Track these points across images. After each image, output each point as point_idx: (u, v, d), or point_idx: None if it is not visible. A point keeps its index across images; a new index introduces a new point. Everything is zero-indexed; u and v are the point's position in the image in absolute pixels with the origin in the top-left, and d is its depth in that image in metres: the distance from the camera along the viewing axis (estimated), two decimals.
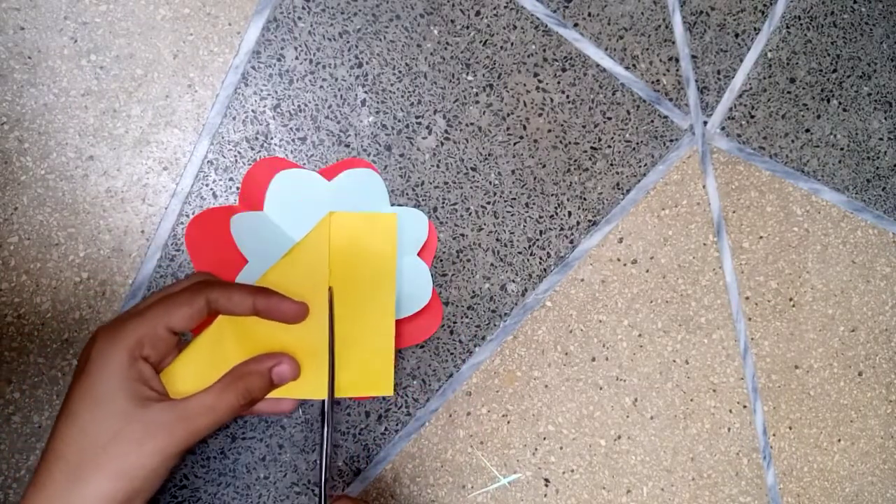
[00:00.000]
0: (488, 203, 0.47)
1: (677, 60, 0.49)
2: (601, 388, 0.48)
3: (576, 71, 0.48)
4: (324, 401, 0.36)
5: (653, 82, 0.49)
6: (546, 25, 0.47)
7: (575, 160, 0.48)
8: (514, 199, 0.47)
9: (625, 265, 0.48)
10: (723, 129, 0.50)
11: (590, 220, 0.48)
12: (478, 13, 0.46)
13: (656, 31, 0.49)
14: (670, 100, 0.49)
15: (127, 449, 0.28)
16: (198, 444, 0.43)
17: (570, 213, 0.48)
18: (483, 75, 0.46)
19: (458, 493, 0.46)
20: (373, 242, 0.38)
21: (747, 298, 0.50)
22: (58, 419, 0.29)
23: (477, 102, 0.46)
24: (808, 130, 0.51)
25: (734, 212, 0.50)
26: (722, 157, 0.50)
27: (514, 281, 0.47)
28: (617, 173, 0.48)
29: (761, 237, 0.51)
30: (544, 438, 0.47)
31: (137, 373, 0.29)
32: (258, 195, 0.42)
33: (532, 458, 0.47)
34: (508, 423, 0.47)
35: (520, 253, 0.47)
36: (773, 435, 0.50)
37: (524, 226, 0.47)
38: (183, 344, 0.33)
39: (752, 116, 0.51)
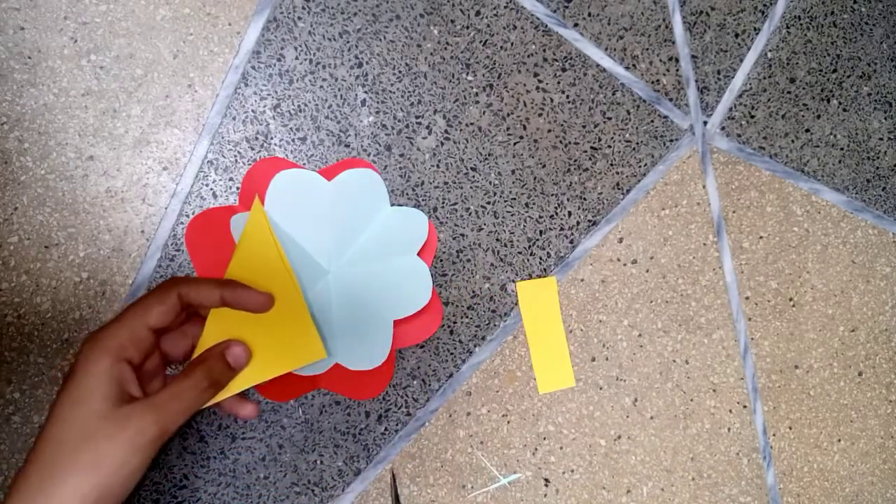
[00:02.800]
0: (488, 203, 0.47)
1: (677, 60, 0.49)
2: (601, 388, 0.48)
3: (576, 71, 0.48)
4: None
5: (653, 82, 0.49)
6: (546, 25, 0.47)
7: (575, 160, 0.48)
8: (514, 199, 0.47)
9: (625, 265, 0.48)
10: (723, 129, 0.50)
11: (590, 220, 0.48)
12: (478, 13, 0.46)
13: (656, 31, 0.49)
14: (670, 100, 0.49)
15: (98, 444, 0.28)
16: (196, 444, 0.43)
17: (570, 213, 0.48)
18: (483, 75, 0.46)
19: (458, 493, 0.46)
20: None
21: (747, 298, 0.50)
22: (41, 427, 0.30)
23: (477, 102, 0.46)
24: (808, 130, 0.51)
25: (734, 212, 0.50)
26: (722, 157, 0.50)
27: (514, 281, 0.47)
28: (617, 173, 0.48)
29: (761, 237, 0.51)
30: (544, 438, 0.47)
31: (117, 374, 0.30)
32: (258, 195, 0.42)
33: (532, 457, 0.47)
34: (508, 423, 0.47)
35: (520, 253, 0.47)
36: (773, 435, 0.50)
37: (524, 226, 0.47)
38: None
39: (752, 116, 0.51)
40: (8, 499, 0.28)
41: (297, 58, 0.44)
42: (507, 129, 0.47)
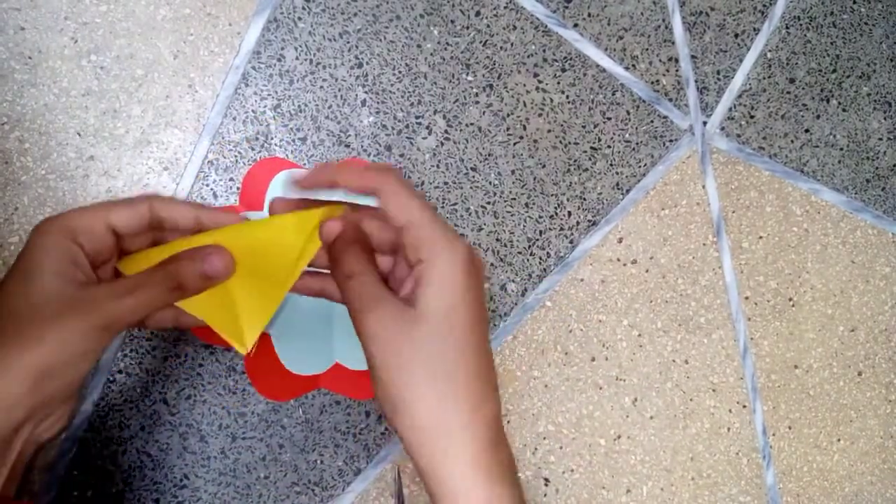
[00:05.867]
0: (488, 203, 0.47)
1: (677, 61, 0.49)
2: (601, 388, 0.48)
3: (575, 71, 0.48)
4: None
5: (652, 82, 0.49)
6: (546, 26, 0.47)
7: (575, 160, 0.48)
8: (514, 199, 0.47)
9: (624, 265, 0.49)
10: (722, 129, 0.50)
11: (589, 220, 0.48)
12: (478, 13, 0.46)
13: (656, 32, 0.49)
14: (670, 100, 0.49)
15: (44, 322, 0.27)
16: (197, 444, 0.43)
17: (569, 213, 0.48)
18: (483, 76, 0.47)
19: None
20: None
21: (747, 298, 0.50)
22: None
23: (477, 103, 0.47)
24: (807, 130, 0.52)
25: (734, 212, 0.50)
26: (721, 158, 0.50)
27: (513, 281, 0.47)
28: (617, 173, 0.48)
29: (761, 237, 0.51)
30: (544, 438, 0.47)
31: (69, 254, 0.28)
32: (258, 195, 0.42)
33: (532, 457, 0.47)
34: (508, 422, 0.47)
35: (520, 253, 0.47)
36: (773, 435, 0.50)
37: (524, 226, 0.47)
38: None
39: (752, 116, 0.51)
40: None
41: (297, 58, 0.44)
42: (507, 129, 0.47)
